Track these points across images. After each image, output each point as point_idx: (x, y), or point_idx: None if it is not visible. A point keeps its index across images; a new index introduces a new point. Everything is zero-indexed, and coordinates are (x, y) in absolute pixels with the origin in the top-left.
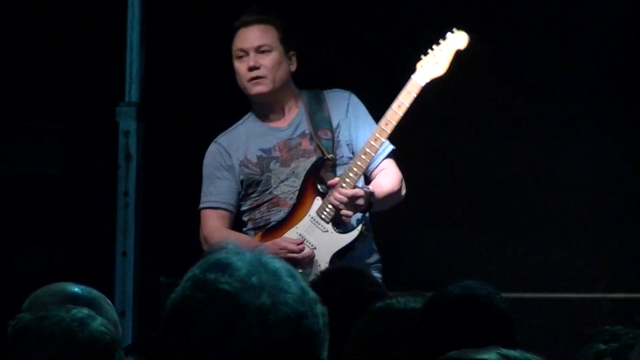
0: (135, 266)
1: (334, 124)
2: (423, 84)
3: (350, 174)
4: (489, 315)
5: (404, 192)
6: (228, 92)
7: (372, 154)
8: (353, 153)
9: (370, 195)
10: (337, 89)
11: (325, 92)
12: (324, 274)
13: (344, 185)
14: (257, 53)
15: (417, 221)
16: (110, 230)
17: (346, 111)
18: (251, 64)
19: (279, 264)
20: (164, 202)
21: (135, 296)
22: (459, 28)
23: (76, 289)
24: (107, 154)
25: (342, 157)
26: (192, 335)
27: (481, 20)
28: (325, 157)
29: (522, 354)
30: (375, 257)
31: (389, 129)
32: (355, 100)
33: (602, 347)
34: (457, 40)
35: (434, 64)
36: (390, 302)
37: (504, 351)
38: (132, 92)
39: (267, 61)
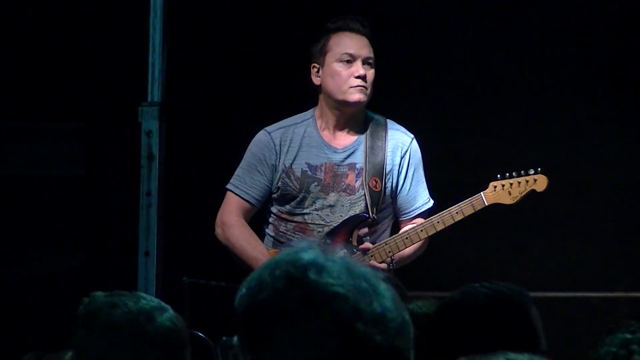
0: (158, 266)
1: (387, 168)
2: (488, 204)
3: (386, 249)
4: (511, 323)
5: (425, 247)
6: (250, 91)
7: (412, 242)
8: (393, 198)
9: (390, 263)
10: (401, 129)
11: (389, 126)
12: None
13: (374, 255)
14: (363, 64)
15: None
16: (132, 230)
17: (401, 157)
18: (362, 72)
19: (369, 271)
20: (186, 202)
21: (158, 296)
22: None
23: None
24: (130, 154)
25: (383, 203)
26: (296, 335)
27: (503, 19)
28: (366, 216)
29: (531, 358)
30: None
31: (438, 228)
32: (414, 149)
33: (629, 336)
34: (537, 182)
35: (506, 192)
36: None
37: (512, 356)
38: (155, 92)
39: (370, 74)
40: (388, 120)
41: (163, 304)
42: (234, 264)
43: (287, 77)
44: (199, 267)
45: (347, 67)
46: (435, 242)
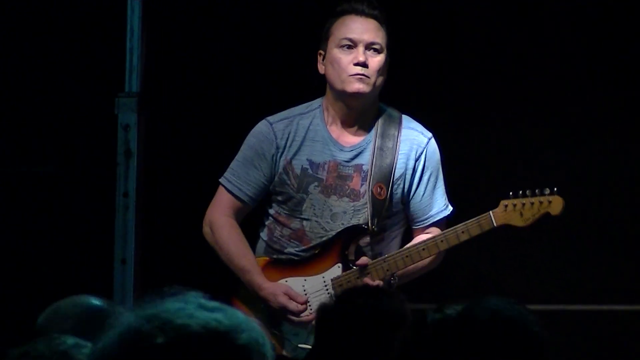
0: (136, 275)
1: (397, 173)
2: (496, 225)
3: (384, 267)
4: (520, 340)
5: (438, 261)
6: (237, 81)
7: (413, 261)
8: (405, 204)
9: (389, 281)
10: (417, 127)
11: (404, 123)
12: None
13: (370, 272)
14: (367, 50)
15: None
16: (108, 235)
17: (416, 160)
18: (362, 59)
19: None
20: (167, 204)
21: None
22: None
23: (98, 302)
24: (105, 150)
25: (392, 210)
26: None
27: (519, 12)
28: (365, 228)
29: None
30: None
31: (442, 247)
32: (432, 150)
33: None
34: (552, 205)
35: (518, 213)
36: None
37: None
38: (133, 81)
39: (375, 62)
40: (403, 117)
41: (80, 341)
42: (221, 273)
43: (278, 67)
44: (182, 277)
45: (347, 54)
46: (451, 254)
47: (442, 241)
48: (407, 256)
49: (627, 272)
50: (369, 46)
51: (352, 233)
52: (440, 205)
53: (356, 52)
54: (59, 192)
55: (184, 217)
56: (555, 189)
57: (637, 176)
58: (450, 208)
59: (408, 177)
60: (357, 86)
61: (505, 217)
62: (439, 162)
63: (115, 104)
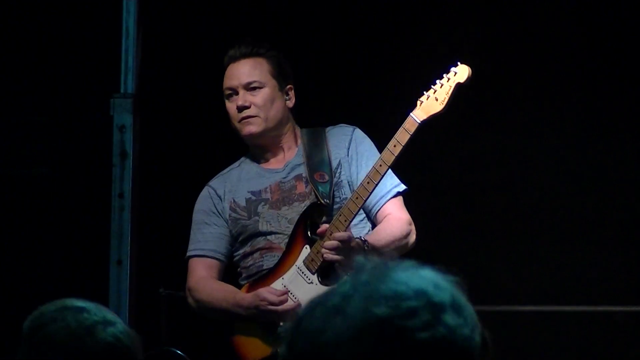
0: (132, 276)
1: (334, 163)
2: (420, 121)
3: (341, 219)
4: None
5: (412, 238)
6: None
7: (363, 199)
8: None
9: (362, 245)
10: (341, 125)
11: (327, 129)
12: None
13: (332, 232)
14: (247, 91)
15: (443, 232)
16: (103, 236)
17: (348, 148)
18: (240, 103)
19: None
20: (163, 205)
21: (132, 308)
22: (463, 56)
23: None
24: (100, 151)
25: (344, 198)
26: None
27: (509, 19)
28: (318, 202)
29: None
30: None
31: (382, 171)
32: (359, 135)
33: None
34: (458, 73)
35: (433, 99)
36: None
37: None
38: (128, 82)
39: (257, 99)
40: (327, 127)
41: (110, 317)
42: None
43: None
44: (177, 278)
45: (232, 102)
46: (446, 253)
47: (380, 165)
48: (356, 197)
49: (623, 274)
50: (247, 87)
51: (308, 213)
52: (388, 185)
53: (236, 98)
54: (54, 194)
55: (180, 217)
56: (458, 62)
57: (637, 176)
58: (403, 186)
59: (345, 163)
60: (247, 129)
61: (424, 110)
62: (372, 146)
63: (111, 105)
